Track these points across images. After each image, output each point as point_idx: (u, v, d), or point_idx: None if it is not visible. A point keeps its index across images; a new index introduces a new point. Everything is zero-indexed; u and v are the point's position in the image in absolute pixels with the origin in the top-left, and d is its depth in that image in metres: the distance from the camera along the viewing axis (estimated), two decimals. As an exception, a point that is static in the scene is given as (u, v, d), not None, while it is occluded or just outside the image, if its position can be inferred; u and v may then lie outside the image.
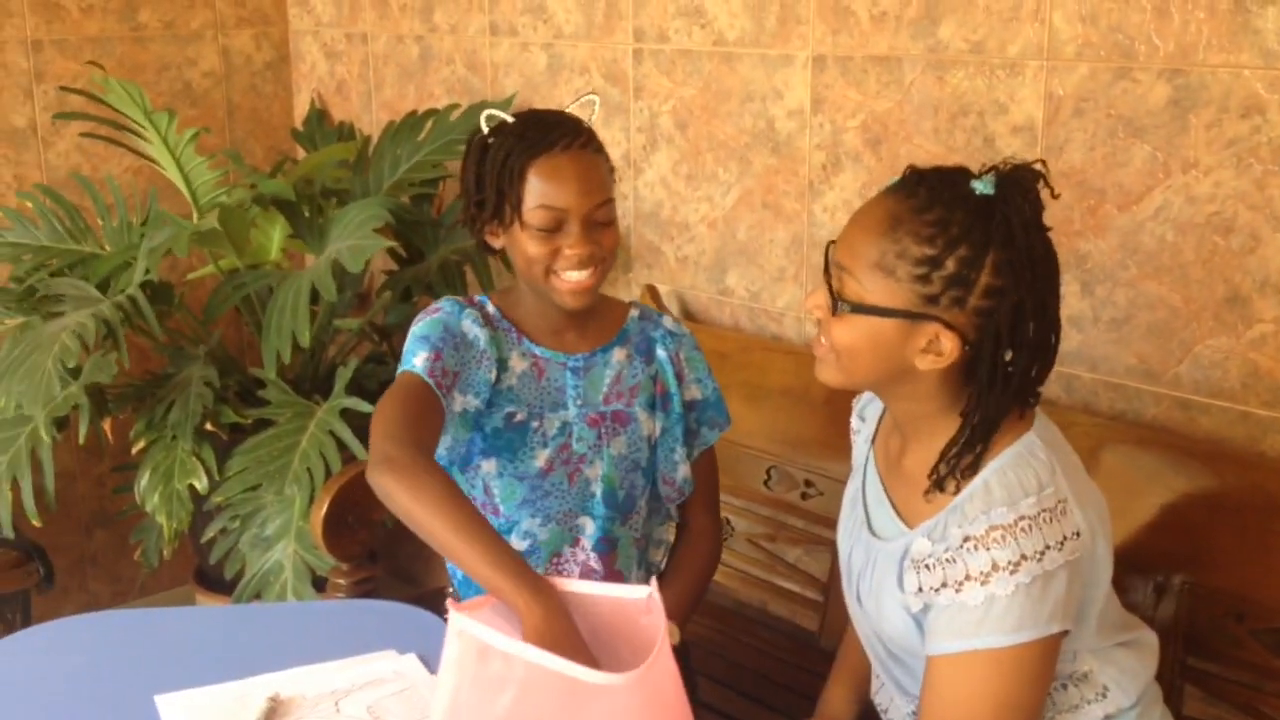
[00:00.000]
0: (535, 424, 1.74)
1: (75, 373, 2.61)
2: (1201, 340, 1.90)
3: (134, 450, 2.67)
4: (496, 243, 1.72)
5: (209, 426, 2.63)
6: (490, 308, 1.77)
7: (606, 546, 1.77)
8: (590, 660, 1.33)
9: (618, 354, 1.80)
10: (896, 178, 1.39)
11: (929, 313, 1.33)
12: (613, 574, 1.78)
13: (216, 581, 2.97)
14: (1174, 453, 1.85)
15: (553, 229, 1.64)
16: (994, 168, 1.35)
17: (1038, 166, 1.35)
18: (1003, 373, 1.35)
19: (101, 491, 3.23)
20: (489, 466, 1.74)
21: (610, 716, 1.26)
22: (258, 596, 2.49)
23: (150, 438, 2.66)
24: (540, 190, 1.64)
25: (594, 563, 1.77)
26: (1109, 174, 1.95)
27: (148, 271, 2.58)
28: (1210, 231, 1.86)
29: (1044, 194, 1.37)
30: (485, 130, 1.70)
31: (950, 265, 1.31)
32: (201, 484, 2.58)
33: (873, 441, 1.57)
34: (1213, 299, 1.88)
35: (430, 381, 1.63)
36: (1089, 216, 1.98)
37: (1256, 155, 1.80)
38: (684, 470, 1.83)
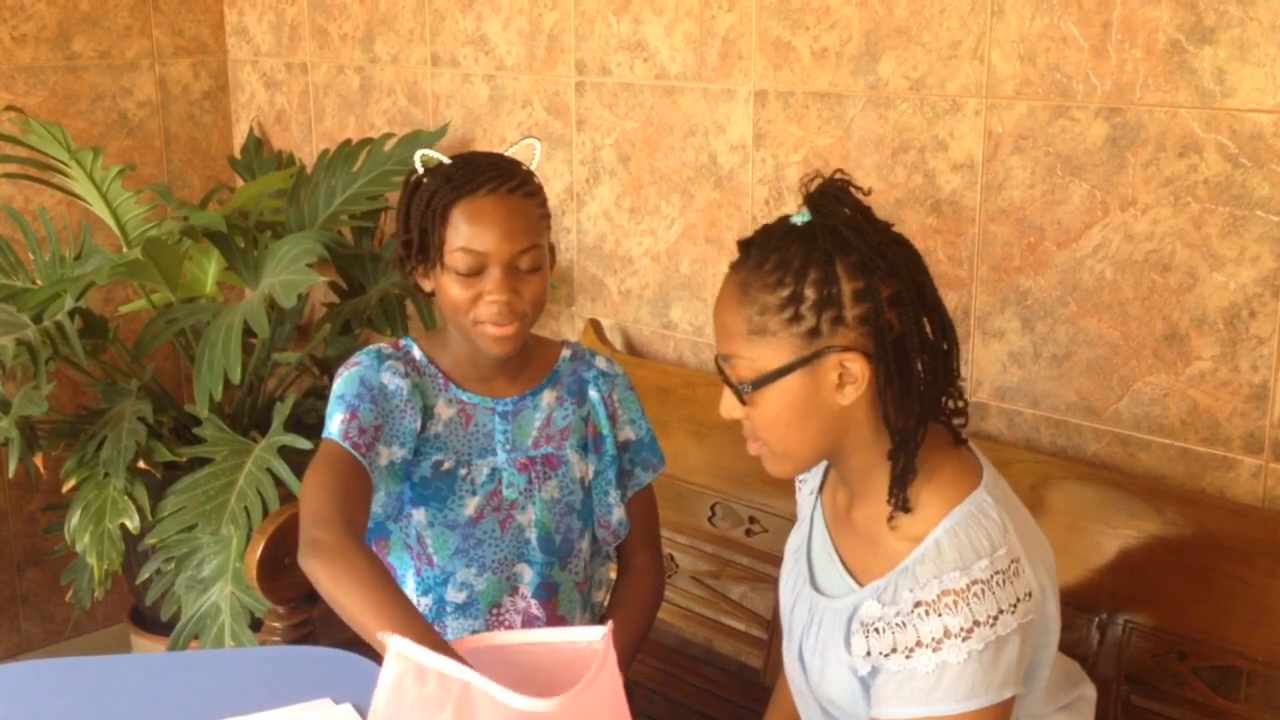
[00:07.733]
0: (463, 471, 1.71)
1: (4, 406, 2.55)
2: (1141, 377, 1.91)
3: (65, 488, 2.61)
4: (426, 285, 1.70)
5: (143, 464, 2.57)
6: (416, 352, 1.74)
7: (547, 593, 1.74)
8: None
9: (547, 396, 1.77)
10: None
11: (819, 347, 1.32)
12: (555, 619, 1.75)
13: (152, 622, 2.91)
14: (1115, 489, 1.85)
15: (473, 273, 1.62)
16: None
17: (838, 176, 1.37)
18: (912, 374, 1.34)
19: (33, 530, 3.15)
20: (419, 516, 1.71)
21: None
22: (195, 639, 2.44)
23: (82, 475, 2.60)
24: (461, 233, 1.61)
25: (535, 610, 1.74)
26: (1048, 211, 1.96)
27: (77, 299, 2.53)
28: (1148, 269, 1.87)
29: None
30: (420, 170, 1.68)
31: (810, 293, 1.32)
32: (134, 523, 2.52)
33: (819, 493, 1.55)
34: (1151, 336, 1.89)
35: (347, 445, 1.61)
36: (1029, 254, 1.99)
37: (1193, 194, 1.81)
38: (618, 513, 1.81)
